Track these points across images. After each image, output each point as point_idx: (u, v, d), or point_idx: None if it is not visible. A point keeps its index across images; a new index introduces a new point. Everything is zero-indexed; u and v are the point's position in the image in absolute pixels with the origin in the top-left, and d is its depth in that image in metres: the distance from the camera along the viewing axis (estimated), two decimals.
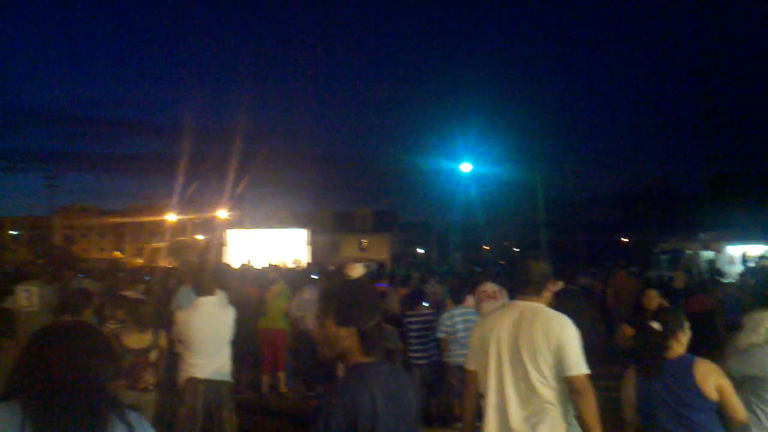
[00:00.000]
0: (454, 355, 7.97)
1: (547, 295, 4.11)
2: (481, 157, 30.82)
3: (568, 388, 3.74)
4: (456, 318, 8.23)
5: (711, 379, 3.79)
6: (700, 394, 3.76)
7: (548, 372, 3.77)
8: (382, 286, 11.86)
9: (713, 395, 3.76)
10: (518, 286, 4.18)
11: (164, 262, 37.84)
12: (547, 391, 3.76)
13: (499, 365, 3.90)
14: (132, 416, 2.25)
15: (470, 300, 9.39)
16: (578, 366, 3.73)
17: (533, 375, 3.77)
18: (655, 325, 4.00)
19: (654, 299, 7.09)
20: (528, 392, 3.78)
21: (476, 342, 4.10)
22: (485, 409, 3.92)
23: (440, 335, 8.21)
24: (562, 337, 3.78)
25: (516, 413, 3.78)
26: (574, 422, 3.80)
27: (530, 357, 3.79)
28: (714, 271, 14.84)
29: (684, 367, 3.85)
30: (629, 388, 4.06)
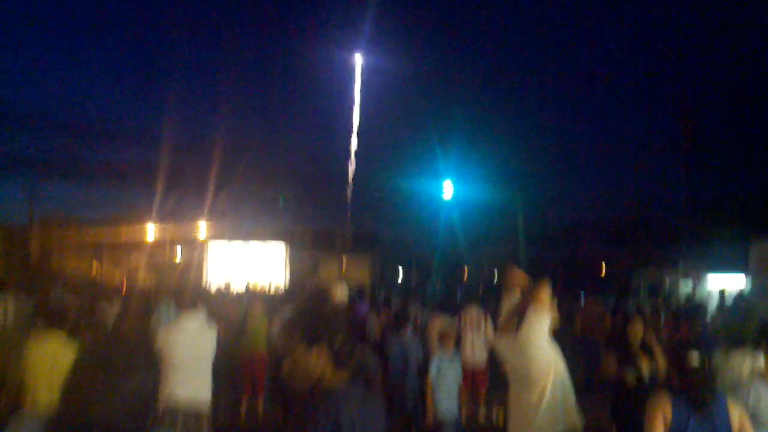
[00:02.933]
0: (440, 404, 7.80)
1: None
2: (463, 180, 30.94)
3: None
4: (442, 363, 7.96)
5: (736, 415, 3.77)
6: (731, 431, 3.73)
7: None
8: (362, 309, 11.72)
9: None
10: None
11: (142, 275, 37.48)
12: None
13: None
14: None
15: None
16: None
17: None
18: (695, 358, 3.85)
19: (639, 332, 7.06)
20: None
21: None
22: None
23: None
24: None
25: None
26: None
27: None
28: (693, 303, 14.92)
29: (723, 403, 3.80)
30: (657, 425, 3.82)
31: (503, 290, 4.21)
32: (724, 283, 21.83)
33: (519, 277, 4.22)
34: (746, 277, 19.49)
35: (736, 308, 12.63)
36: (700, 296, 19.75)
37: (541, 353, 4.08)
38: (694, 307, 13.04)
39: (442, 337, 8.25)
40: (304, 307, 2.86)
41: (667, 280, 24.28)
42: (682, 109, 35.71)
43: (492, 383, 10.15)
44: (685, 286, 23.08)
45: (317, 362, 2.54)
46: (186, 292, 6.47)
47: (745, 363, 5.05)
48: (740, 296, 18.41)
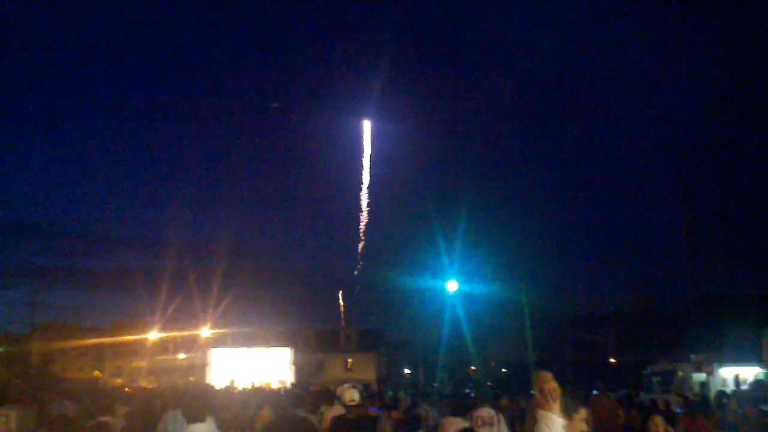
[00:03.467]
0: None
1: None
2: (468, 276, 30.85)
3: None
4: None
5: None
6: None
7: None
8: (374, 410, 11.45)
9: None
10: None
11: (144, 382, 36.97)
12: None
13: None
14: None
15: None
16: None
17: None
18: None
19: (660, 427, 6.87)
20: None
21: None
22: None
23: None
24: None
25: None
26: None
27: None
28: (708, 394, 14.60)
29: None
30: None
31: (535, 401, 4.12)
32: (738, 375, 21.39)
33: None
34: (761, 368, 19.08)
35: (755, 396, 12.32)
36: (714, 387, 19.31)
37: None
38: (713, 399, 12.77)
39: None
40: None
41: (680, 372, 23.79)
42: (691, 202, 35.96)
43: None
44: (698, 378, 22.60)
45: None
46: (193, 402, 6.32)
47: None
48: (758, 382, 18.03)
